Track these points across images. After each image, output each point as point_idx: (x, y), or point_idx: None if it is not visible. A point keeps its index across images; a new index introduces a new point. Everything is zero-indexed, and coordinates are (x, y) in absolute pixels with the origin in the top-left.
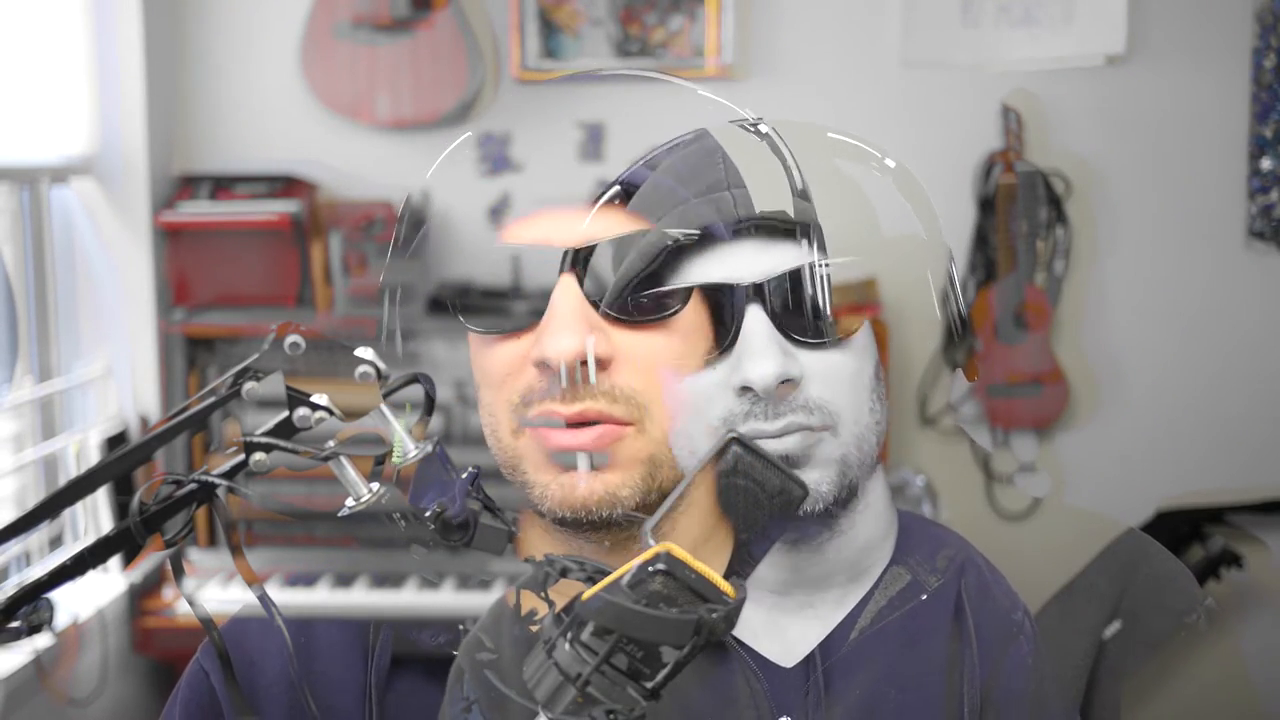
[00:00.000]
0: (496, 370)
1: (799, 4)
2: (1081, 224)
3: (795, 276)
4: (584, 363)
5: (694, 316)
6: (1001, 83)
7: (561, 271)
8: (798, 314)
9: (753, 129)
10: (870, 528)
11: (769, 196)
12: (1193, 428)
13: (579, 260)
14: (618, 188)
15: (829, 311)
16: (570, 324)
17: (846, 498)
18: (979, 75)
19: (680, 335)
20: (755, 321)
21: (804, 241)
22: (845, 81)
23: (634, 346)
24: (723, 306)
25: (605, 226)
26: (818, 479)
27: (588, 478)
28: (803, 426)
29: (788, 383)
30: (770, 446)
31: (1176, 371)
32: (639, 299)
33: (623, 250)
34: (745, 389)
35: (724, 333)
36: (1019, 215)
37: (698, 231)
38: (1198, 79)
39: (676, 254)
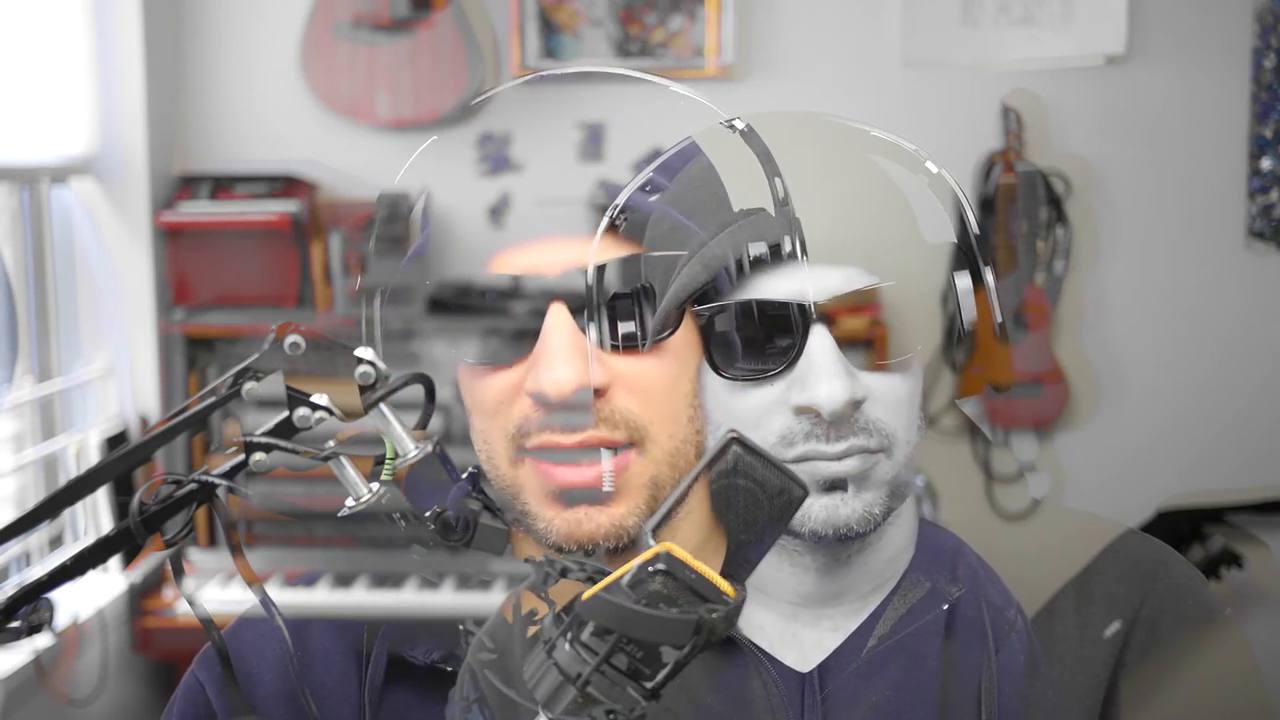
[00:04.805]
0: (489, 401)
1: (799, 4)
2: (1081, 224)
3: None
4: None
5: (685, 335)
6: (1001, 83)
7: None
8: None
9: (728, 124)
10: (898, 540)
11: (750, 189)
12: (1193, 428)
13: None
14: (615, 213)
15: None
16: (565, 355)
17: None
18: (979, 75)
19: (673, 355)
20: (821, 341)
21: (799, 250)
22: (845, 81)
23: (629, 370)
24: (777, 323)
25: (595, 252)
26: (871, 501)
27: (593, 513)
28: (863, 449)
29: (851, 404)
30: (829, 469)
31: (1176, 371)
32: (629, 323)
33: (630, 274)
34: (806, 409)
35: (775, 350)
36: (1019, 215)
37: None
38: (1198, 79)
39: (736, 270)
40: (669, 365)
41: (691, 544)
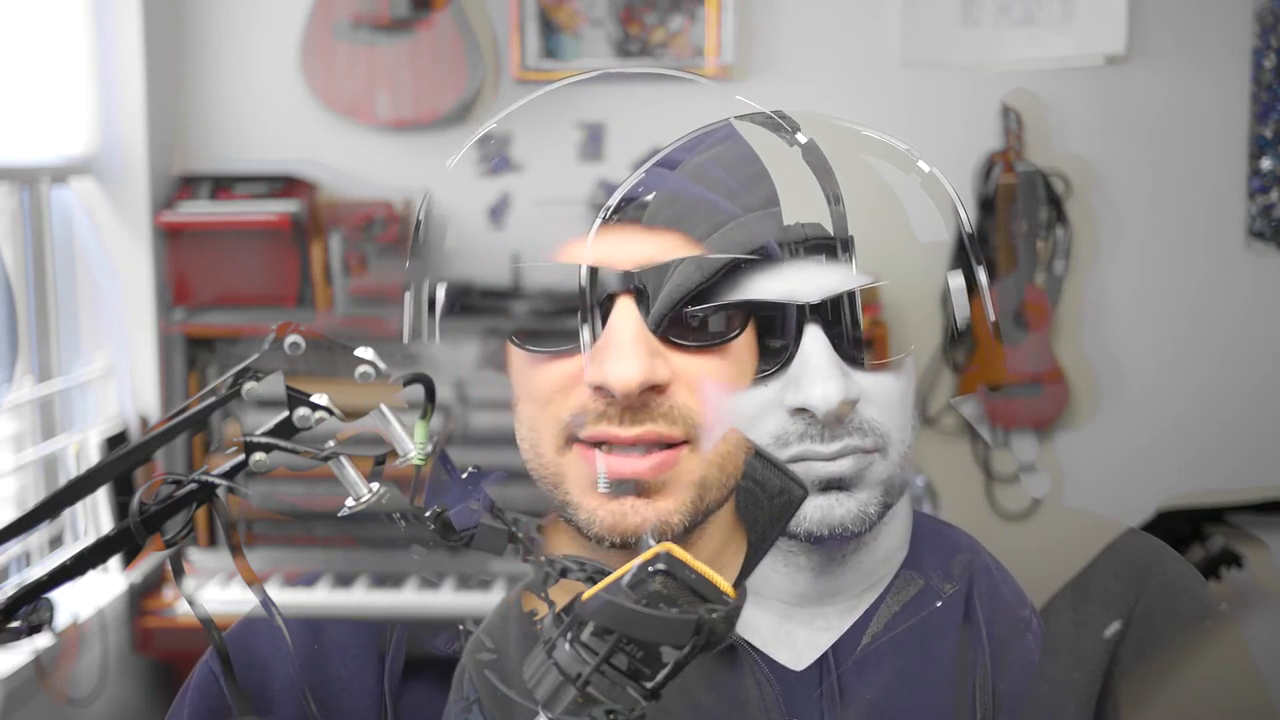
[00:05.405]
0: (544, 388)
1: (799, 4)
2: (1081, 224)
3: (848, 296)
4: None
5: (748, 340)
6: (1001, 83)
7: (618, 292)
8: (854, 334)
9: (789, 135)
10: (892, 539)
11: (803, 205)
12: (1193, 428)
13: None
14: (633, 191)
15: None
16: (632, 349)
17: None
18: (979, 75)
19: (734, 358)
20: (815, 341)
21: (847, 256)
22: (845, 81)
23: (690, 368)
24: (771, 324)
25: (667, 248)
26: (866, 501)
27: (639, 505)
28: (857, 449)
29: (846, 404)
30: (824, 469)
31: (1176, 371)
32: (697, 320)
33: (659, 271)
34: (801, 410)
35: (770, 351)
36: (1019, 215)
37: (763, 253)
38: (1198, 79)
39: (732, 270)
40: (730, 366)
41: (714, 545)
